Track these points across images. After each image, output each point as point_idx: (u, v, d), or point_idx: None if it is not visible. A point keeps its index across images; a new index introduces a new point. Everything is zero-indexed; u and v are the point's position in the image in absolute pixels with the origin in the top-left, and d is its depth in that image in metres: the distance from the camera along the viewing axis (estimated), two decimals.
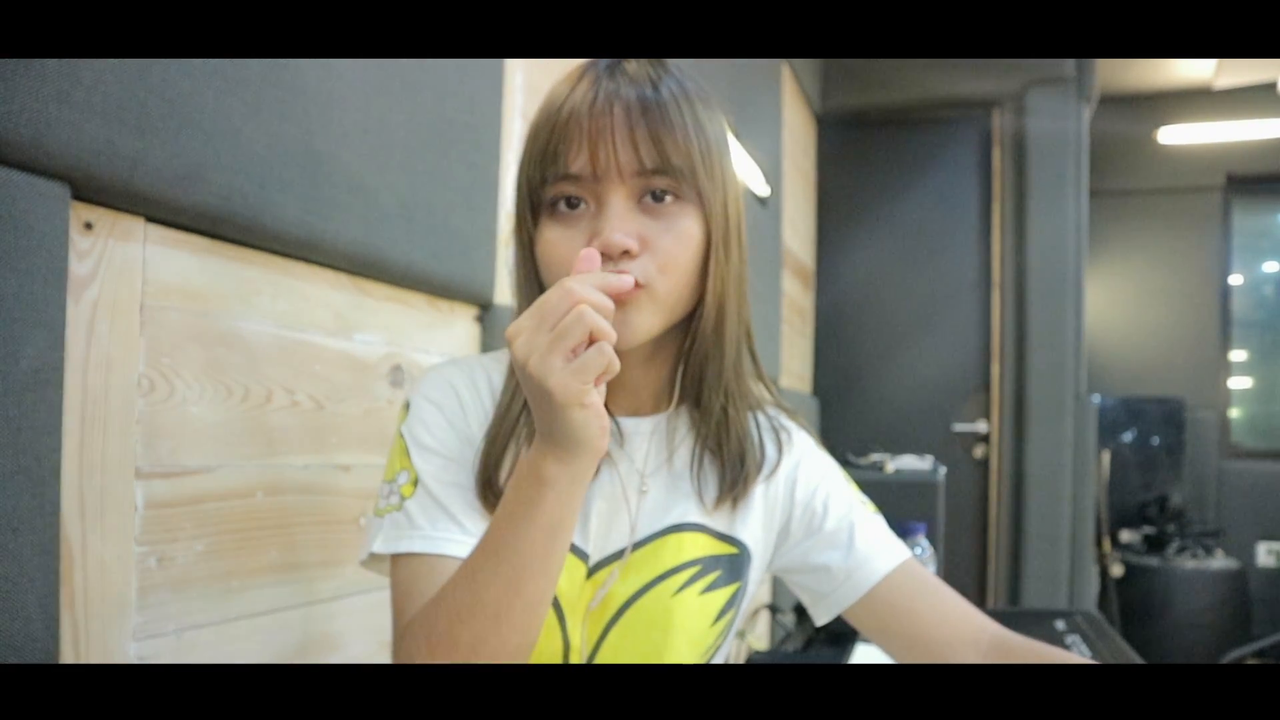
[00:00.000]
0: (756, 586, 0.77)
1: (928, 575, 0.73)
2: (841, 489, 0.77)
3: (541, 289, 0.68)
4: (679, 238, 0.63)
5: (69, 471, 0.64)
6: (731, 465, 0.71)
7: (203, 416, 0.77)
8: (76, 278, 0.64)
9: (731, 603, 0.73)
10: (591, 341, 0.49)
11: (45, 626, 0.60)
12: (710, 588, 0.72)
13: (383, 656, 1.01)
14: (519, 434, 0.67)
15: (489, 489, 0.66)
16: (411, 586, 0.63)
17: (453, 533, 0.64)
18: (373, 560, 0.67)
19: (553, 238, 0.64)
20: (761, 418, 0.76)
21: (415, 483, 0.66)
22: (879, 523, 0.76)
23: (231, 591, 0.80)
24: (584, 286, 0.50)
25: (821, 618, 0.75)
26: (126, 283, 0.69)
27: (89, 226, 0.66)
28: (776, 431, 0.76)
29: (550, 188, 0.64)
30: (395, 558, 0.64)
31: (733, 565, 0.73)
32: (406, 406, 0.70)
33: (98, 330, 0.67)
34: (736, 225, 0.68)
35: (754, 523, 0.74)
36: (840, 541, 0.73)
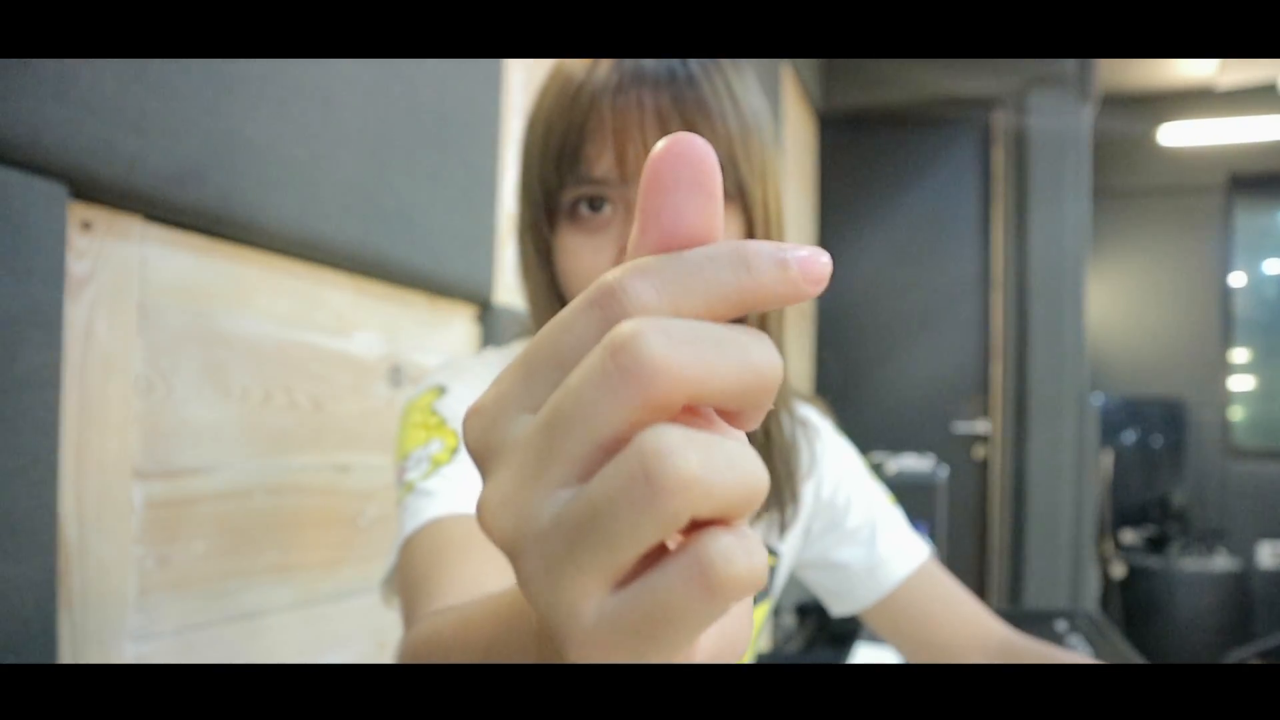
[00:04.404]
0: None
1: (943, 576, 0.72)
2: (862, 482, 0.74)
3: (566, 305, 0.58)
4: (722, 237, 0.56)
5: (67, 472, 0.64)
6: (776, 483, 0.66)
7: (201, 417, 0.77)
8: (74, 277, 0.64)
9: (767, 616, 0.72)
10: (695, 524, 0.17)
11: (43, 627, 0.60)
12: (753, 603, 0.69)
13: (383, 657, 1.01)
14: None
15: None
16: (445, 548, 0.49)
17: None
18: (390, 591, 0.59)
19: (576, 246, 0.56)
20: (800, 426, 0.70)
21: (455, 450, 0.55)
22: (898, 517, 0.73)
23: (231, 591, 0.80)
24: (665, 341, 0.17)
25: (838, 611, 0.75)
26: (125, 282, 0.69)
27: (87, 226, 0.66)
28: (806, 429, 0.71)
29: (569, 191, 0.56)
30: (426, 528, 0.51)
31: (770, 576, 0.70)
32: (439, 390, 0.61)
33: (96, 330, 0.66)
34: (778, 217, 0.60)
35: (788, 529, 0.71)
36: (862, 539, 0.71)
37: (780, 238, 0.58)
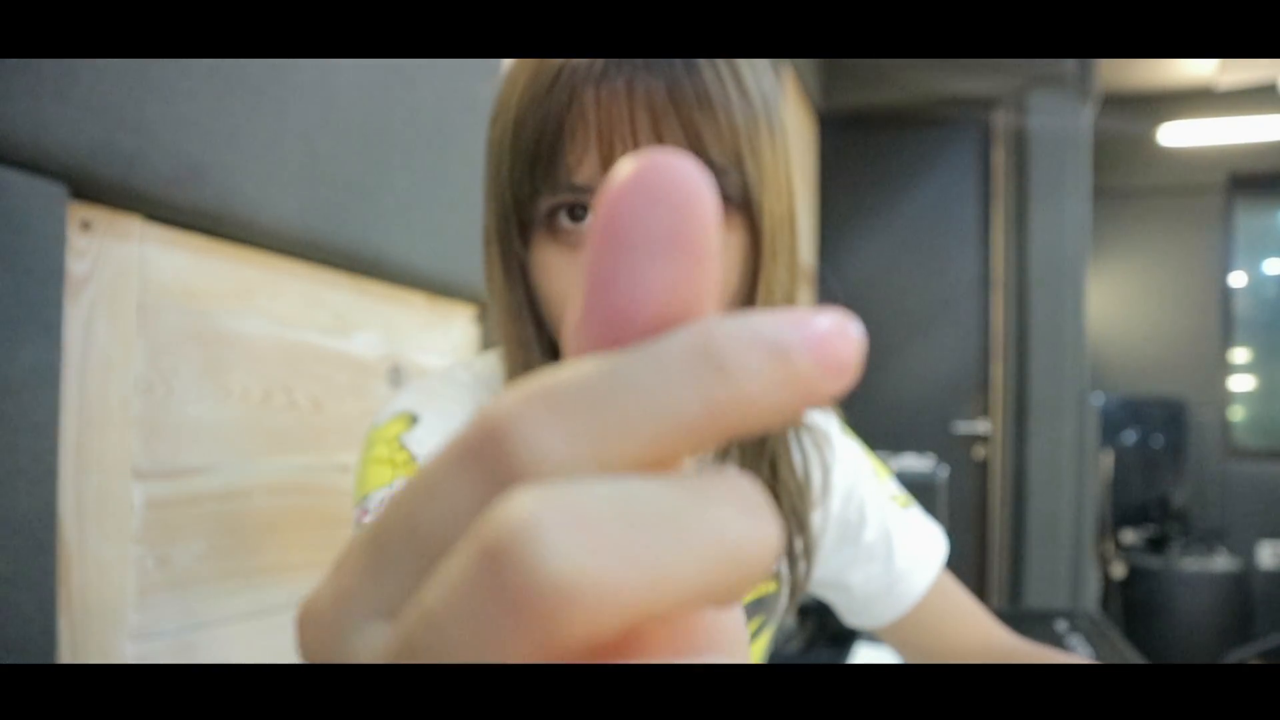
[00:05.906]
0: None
1: (953, 586, 0.69)
2: (874, 489, 0.68)
3: (541, 330, 0.51)
4: (724, 255, 0.47)
5: (67, 472, 0.63)
6: (787, 531, 0.58)
7: (201, 416, 0.77)
8: (74, 277, 0.64)
9: (767, 646, 0.68)
10: None
11: (42, 627, 0.60)
12: (754, 636, 0.64)
13: None
14: None
15: None
16: None
17: None
18: None
19: (555, 263, 0.48)
20: (806, 433, 0.62)
21: None
22: (910, 520, 0.68)
23: (230, 592, 0.80)
24: (575, 543, 0.10)
25: (851, 623, 0.72)
26: (124, 282, 0.69)
27: (87, 226, 0.66)
28: (814, 434, 0.63)
29: (546, 199, 0.48)
30: None
31: (773, 603, 0.66)
32: (410, 418, 0.55)
33: (95, 330, 0.66)
34: (790, 224, 0.52)
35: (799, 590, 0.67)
36: (878, 554, 0.66)
37: (793, 253, 0.50)
